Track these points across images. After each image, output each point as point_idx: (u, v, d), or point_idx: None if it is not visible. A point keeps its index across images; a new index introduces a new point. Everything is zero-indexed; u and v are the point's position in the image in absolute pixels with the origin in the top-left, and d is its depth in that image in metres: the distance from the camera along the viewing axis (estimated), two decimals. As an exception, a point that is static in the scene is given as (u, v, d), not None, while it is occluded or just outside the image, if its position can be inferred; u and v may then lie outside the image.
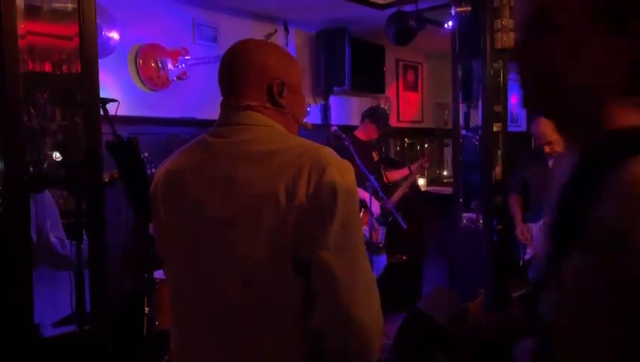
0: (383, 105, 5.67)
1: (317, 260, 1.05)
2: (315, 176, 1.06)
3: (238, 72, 1.21)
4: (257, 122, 1.17)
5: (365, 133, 4.19)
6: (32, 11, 1.94)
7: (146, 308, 2.99)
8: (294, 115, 1.24)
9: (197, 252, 1.15)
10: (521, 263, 3.57)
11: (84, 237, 1.95)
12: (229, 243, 1.10)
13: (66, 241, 2.05)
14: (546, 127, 3.33)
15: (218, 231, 1.11)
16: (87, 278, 1.96)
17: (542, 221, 3.38)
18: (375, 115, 4.20)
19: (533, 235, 3.43)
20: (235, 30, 4.63)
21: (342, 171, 1.09)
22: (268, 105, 1.19)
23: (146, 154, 3.27)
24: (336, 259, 1.04)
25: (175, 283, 1.23)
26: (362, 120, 4.27)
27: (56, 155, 2.28)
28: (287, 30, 4.97)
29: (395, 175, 4.55)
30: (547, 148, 3.35)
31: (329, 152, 1.11)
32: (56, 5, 2.03)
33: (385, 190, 4.10)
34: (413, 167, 4.51)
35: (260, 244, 1.06)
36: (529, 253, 3.48)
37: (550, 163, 3.40)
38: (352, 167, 1.13)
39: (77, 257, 1.73)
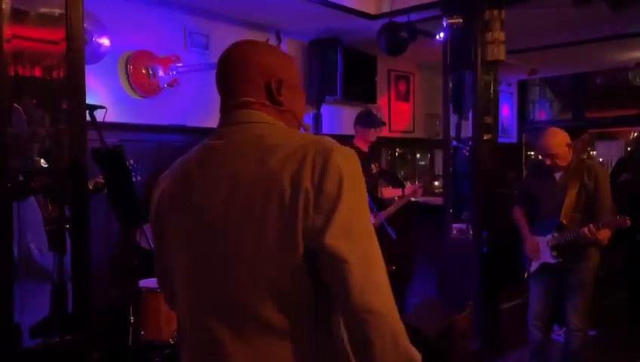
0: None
1: (325, 248, 1.01)
2: (319, 163, 1.04)
3: (234, 70, 1.19)
4: (257, 119, 1.16)
5: (361, 138, 4.18)
6: (18, 15, 1.92)
7: (131, 318, 2.94)
8: (293, 113, 1.23)
9: (204, 256, 1.12)
10: (525, 275, 3.52)
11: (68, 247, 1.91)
12: (237, 244, 1.07)
13: (45, 252, 2.00)
14: (550, 140, 3.29)
15: (225, 232, 1.09)
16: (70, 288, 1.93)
17: (549, 236, 3.30)
18: (357, 119, 4.21)
19: (540, 249, 3.37)
20: (227, 38, 4.56)
21: (347, 156, 1.07)
22: (266, 102, 1.18)
23: (131, 161, 3.24)
24: (346, 246, 1.01)
25: (184, 286, 1.19)
26: (354, 130, 4.27)
27: (43, 162, 2.25)
28: (279, 39, 4.97)
29: (388, 193, 4.55)
30: (548, 161, 3.30)
31: (331, 140, 1.10)
32: (43, 10, 2.01)
33: (377, 202, 4.09)
34: (407, 190, 4.51)
35: (269, 240, 1.04)
36: (535, 266, 3.42)
37: (557, 176, 3.36)
38: (355, 153, 1.11)
39: (59, 266, 1.70)
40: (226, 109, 1.20)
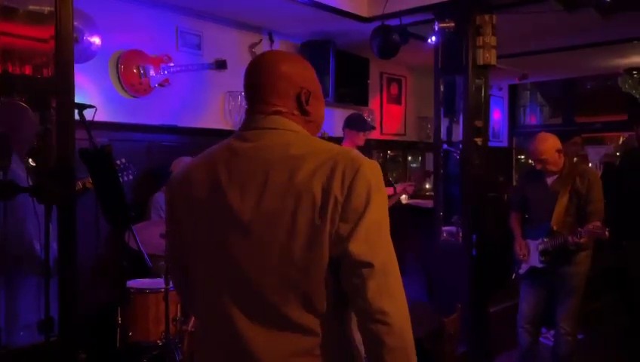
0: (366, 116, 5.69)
1: (348, 253, 1.09)
2: (349, 175, 1.11)
3: (266, 81, 1.24)
4: (285, 126, 1.22)
5: (350, 141, 4.18)
6: (7, 12, 1.90)
7: (119, 319, 2.92)
8: (317, 121, 1.31)
9: (231, 254, 1.16)
10: (513, 276, 3.54)
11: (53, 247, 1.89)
12: (265, 246, 1.12)
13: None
14: (539, 146, 3.30)
15: (254, 235, 1.13)
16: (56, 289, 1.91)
17: (540, 239, 3.33)
18: (349, 121, 4.21)
19: (530, 252, 3.39)
20: (220, 38, 4.62)
21: (374, 170, 1.15)
22: (295, 112, 1.25)
23: (123, 160, 3.22)
24: (367, 252, 1.09)
25: (205, 284, 1.23)
26: (343, 132, 4.27)
27: (30, 161, 2.23)
28: (271, 40, 4.97)
29: None
30: (538, 166, 3.33)
31: (358, 153, 1.17)
32: (32, 7, 1.99)
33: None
34: (398, 188, 4.52)
35: (297, 245, 1.10)
36: (524, 268, 3.45)
37: (549, 181, 3.38)
38: (380, 168, 1.18)
39: (45, 267, 1.68)
40: (253, 115, 1.25)
